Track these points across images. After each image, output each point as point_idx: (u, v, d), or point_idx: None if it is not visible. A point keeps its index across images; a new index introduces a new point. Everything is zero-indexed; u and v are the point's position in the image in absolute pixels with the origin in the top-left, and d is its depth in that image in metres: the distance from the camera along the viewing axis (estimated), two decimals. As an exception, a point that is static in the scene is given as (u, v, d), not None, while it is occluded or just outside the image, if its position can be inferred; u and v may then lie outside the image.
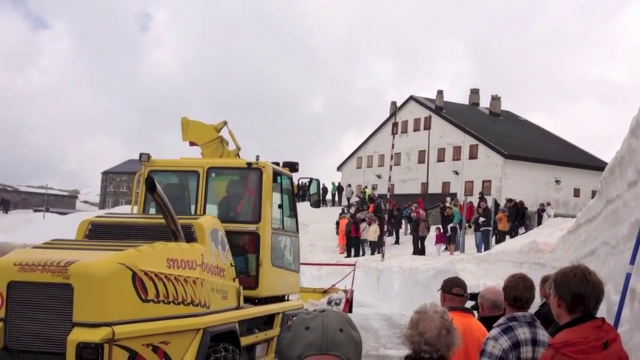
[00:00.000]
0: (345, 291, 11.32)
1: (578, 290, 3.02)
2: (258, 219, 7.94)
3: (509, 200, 27.28)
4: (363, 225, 30.08)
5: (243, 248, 7.87)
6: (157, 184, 6.09)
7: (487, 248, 23.30)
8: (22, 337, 5.31)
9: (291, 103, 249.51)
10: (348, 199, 44.24)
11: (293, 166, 9.20)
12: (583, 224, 8.29)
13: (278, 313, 8.25)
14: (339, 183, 46.81)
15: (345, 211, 35.56)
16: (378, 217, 30.98)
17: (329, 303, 10.53)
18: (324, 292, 11.45)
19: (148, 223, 6.86)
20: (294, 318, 1.83)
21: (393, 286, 21.40)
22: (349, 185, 46.37)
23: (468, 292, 4.93)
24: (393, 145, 31.11)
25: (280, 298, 8.76)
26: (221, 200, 8.56)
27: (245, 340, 7.10)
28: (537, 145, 47.06)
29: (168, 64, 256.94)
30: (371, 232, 29.49)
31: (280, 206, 8.61)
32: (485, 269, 16.90)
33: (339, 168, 60.79)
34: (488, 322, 4.91)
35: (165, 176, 8.44)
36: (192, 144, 9.08)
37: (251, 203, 8.16)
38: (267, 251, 7.97)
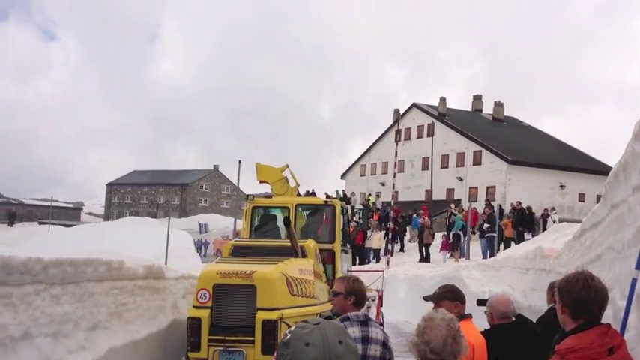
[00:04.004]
0: (377, 290, 13.54)
1: (580, 296, 3.01)
2: (333, 240, 11.14)
3: (515, 207, 27.12)
4: (368, 233, 30.04)
5: (324, 260, 10.65)
6: (290, 220, 9.85)
7: (492, 254, 23.21)
8: (223, 317, 8.08)
9: (300, 110, 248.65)
10: (353, 207, 44.15)
11: (348, 200, 14.93)
12: (588, 229, 8.27)
13: None
14: (344, 191, 46.73)
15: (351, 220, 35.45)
16: (382, 226, 30.91)
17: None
18: None
19: (271, 245, 9.66)
20: (288, 332, 1.82)
21: (399, 294, 21.33)
22: (353, 193, 46.32)
23: (477, 298, 4.91)
24: (396, 152, 31.10)
25: None
26: (303, 227, 11.52)
27: None
28: (541, 150, 46.99)
29: (173, 73, 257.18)
30: (375, 240, 29.44)
31: (342, 229, 11.58)
32: (490, 276, 16.81)
33: (342, 176, 60.80)
34: (497, 329, 4.91)
35: (264, 210, 11.76)
36: (262, 182, 12.30)
37: (328, 229, 11.36)
38: (339, 262, 11.13)
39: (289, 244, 9.29)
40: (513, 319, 5.03)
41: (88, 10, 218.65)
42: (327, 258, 10.83)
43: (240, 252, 9.44)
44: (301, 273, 8.71)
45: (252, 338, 7.87)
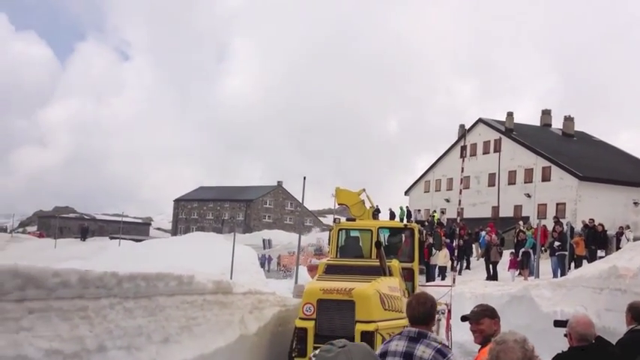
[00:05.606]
0: (447, 304, 13.94)
1: None
2: (412, 259, 12.17)
3: (587, 224, 26.26)
4: (433, 250, 29.61)
5: (405, 278, 11.47)
6: (381, 242, 10.77)
7: (563, 273, 22.53)
8: (325, 328, 9.22)
9: (364, 125, 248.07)
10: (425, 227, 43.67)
11: (422, 223, 15.68)
12: (667, 248, 7.93)
13: None
14: (407, 207, 46.31)
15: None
16: (447, 242, 30.44)
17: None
18: None
19: (362, 265, 10.76)
20: (313, 357, 1.83)
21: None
22: (419, 210, 45.88)
23: (548, 318, 4.76)
24: (462, 168, 30.64)
25: None
26: (384, 247, 11.94)
27: None
28: (613, 166, 45.50)
29: (240, 91, 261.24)
30: (441, 257, 29.02)
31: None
32: (562, 295, 16.28)
33: (406, 192, 60.36)
34: (575, 352, 4.77)
35: (346, 232, 12.74)
36: (341, 204, 13.83)
37: (407, 250, 12.44)
38: (417, 279, 12.23)
39: (377, 263, 10.33)
40: (593, 341, 4.86)
41: (159, 30, 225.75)
42: (407, 276, 11.77)
43: (333, 270, 10.57)
44: (391, 290, 9.84)
45: None
